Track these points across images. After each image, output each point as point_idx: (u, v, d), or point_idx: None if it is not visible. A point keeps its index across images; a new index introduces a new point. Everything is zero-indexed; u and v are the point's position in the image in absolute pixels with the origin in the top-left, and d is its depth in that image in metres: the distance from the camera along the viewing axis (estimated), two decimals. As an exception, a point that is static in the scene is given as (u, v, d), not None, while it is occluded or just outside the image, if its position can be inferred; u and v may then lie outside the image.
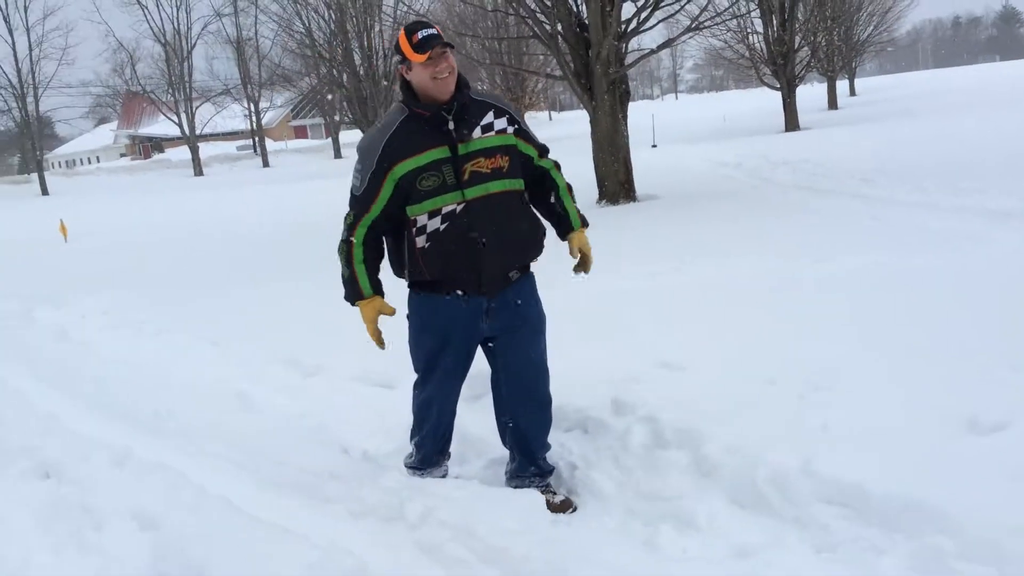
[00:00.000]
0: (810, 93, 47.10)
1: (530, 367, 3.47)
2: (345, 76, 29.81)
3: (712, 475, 3.35)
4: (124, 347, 6.74)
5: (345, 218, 3.31)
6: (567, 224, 3.52)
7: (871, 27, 39.91)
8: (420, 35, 3.09)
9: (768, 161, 15.38)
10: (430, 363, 3.42)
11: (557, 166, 3.53)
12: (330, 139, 52.10)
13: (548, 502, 3.41)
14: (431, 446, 3.60)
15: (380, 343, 3.37)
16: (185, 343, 6.57)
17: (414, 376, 3.53)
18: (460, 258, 3.21)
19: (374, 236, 3.30)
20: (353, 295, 3.32)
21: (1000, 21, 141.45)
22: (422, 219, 3.19)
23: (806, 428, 3.45)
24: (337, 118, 45.68)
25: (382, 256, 3.38)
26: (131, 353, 6.51)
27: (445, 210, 3.17)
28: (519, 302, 3.37)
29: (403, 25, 3.27)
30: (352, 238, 3.28)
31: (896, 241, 7.16)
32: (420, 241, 3.21)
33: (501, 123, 3.28)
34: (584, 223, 3.55)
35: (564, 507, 3.46)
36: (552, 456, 3.65)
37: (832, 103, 36.47)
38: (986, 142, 13.96)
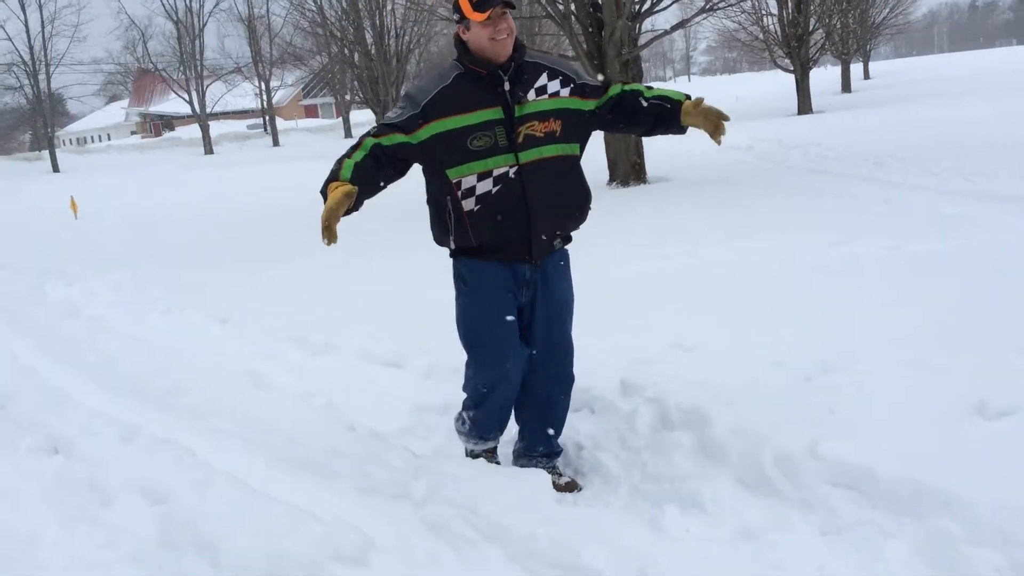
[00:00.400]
0: (824, 76, 46.77)
1: (560, 345, 3.45)
2: (356, 55, 29.71)
3: (718, 457, 3.34)
4: (134, 324, 6.77)
5: (363, 133, 3.17)
6: (673, 104, 3.22)
7: (887, 9, 39.51)
8: None
9: (780, 144, 15.30)
10: (480, 331, 3.31)
11: (626, 82, 3.38)
12: (341, 119, 52.01)
13: (554, 482, 3.41)
14: (489, 422, 3.51)
15: (329, 229, 2.89)
16: (195, 321, 6.60)
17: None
18: (511, 222, 3.14)
19: (382, 155, 3.10)
20: (328, 181, 3.02)
21: (1018, 4, 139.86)
22: (469, 180, 3.11)
23: (813, 410, 3.44)
24: (348, 97, 45.56)
25: (377, 175, 3.11)
26: (141, 330, 6.54)
27: (497, 172, 3.10)
28: (556, 277, 3.34)
29: None
30: (361, 143, 3.12)
31: (908, 225, 7.12)
32: (468, 204, 3.13)
33: (555, 85, 3.20)
34: (687, 96, 3.25)
35: (569, 488, 3.46)
36: (560, 437, 3.66)
37: (846, 86, 36.19)
38: (1001, 127, 13.84)
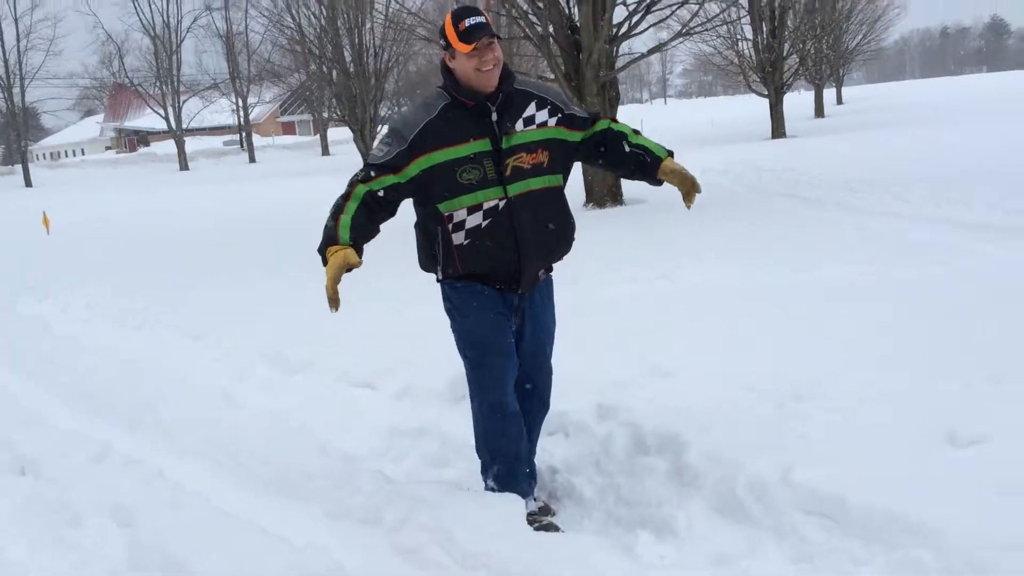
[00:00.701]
0: (797, 101, 47.30)
1: (543, 371, 3.45)
2: (335, 73, 29.69)
3: (692, 482, 3.34)
4: (106, 341, 6.71)
5: (351, 177, 3.11)
6: (653, 159, 3.25)
7: (860, 36, 40.09)
8: (468, 23, 2.96)
9: (754, 168, 15.42)
10: (481, 346, 3.21)
11: (614, 120, 3.37)
12: (318, 136, 51.92)
13: (528, 507, 3.39)
14: (517, 470, 3.30)
15: (335, 299, 2.97)
16: (168, 338, 6.55)
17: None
18: (500, 255, 3.12)
19: (374, 203, 3.04)
20: (326, 243, 2.97)
21: (988, 32, 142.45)
22: (459, 214, 3.07)
23: (786, 437, 3.45)
24: (326, 115, 45.49)
25: (372, 227, 3.08)
26: (113, 347, 6.48)
27: (487, 206, 3.07)
28: (541, 304, 3.34)
29: (449, 11, 3.11)
30: (352, 192, 3.03)
31: (879, 252, 7.18)
32: (458, 238, 3.10)
33: (543, 115, 3.18)
34: (669, 152, 3.28)
35: (544, 513, 3.44)
36: (535, 461, 3.64)
37: (819, 111, 36.63)
38: (971, 154, 14.03)
